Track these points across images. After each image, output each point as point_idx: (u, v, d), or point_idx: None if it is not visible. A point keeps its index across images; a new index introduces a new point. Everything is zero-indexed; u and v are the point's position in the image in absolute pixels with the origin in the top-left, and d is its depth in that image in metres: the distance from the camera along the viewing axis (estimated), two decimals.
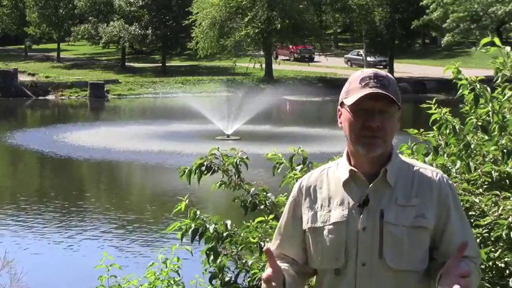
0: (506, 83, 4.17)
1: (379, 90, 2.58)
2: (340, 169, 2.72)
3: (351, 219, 2.63)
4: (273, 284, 2.59)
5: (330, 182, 2.73)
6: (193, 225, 4.19)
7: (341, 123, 2.69)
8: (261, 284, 4.06)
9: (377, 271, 2.60)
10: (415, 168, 2.70)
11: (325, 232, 2.67)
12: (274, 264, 2.62)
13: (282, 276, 2.64)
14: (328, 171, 2.77)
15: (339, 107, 2.71)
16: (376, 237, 2.59)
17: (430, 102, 4.13)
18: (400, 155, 2.75)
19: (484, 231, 3.68)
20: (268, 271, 2.62)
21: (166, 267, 5.19)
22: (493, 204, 3.67)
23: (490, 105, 4.05)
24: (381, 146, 2.61)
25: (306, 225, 2.73)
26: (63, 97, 44.94)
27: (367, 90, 2.58)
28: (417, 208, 2.62)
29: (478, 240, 3.68)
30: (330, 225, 2.66)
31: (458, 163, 4.02)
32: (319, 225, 2.69)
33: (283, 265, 2.72)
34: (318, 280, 2.76)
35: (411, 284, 2.61)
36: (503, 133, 3.99)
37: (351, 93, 2.63)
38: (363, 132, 2.60)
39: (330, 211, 2.68)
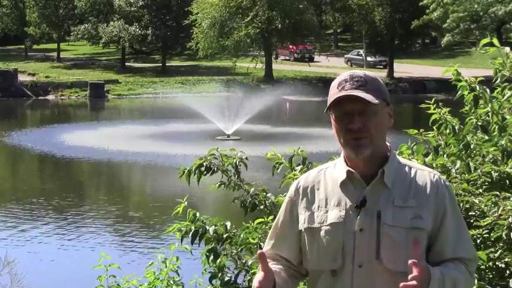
0: (506, 83, 4.17)
1: (352, 92, 2.58)
2: (337, 170, 2.72)
3: (348, 220, 2.63)
4: None
5: (327, 182, 2.73)
6: (193, 227, 4.18)
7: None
8: None
9: (374, 272, 2.59)
10: (412, 170, 2.69)
11: (322, 233, 2.66)
12: (266, 268, 2.61)
13: (273, 281, 2.64)
14: (325, 172, 2.77)
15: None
16: (373, 239, 2.59)
17: (430, 102, 4.13)
18: (397, 156, 2.75)
19: (484, 232, 3.68)
20: (259, 276, 2.61)
21: (166, 267, 5.19)
22: (493, 205, 3.66)
23: (490, 105, 4.05)
24: (367, 147, 2.61)
25: (302, 225, 2.72)
26: (63, 97, 44.93)
27: (342, 93, 2.59)
28: (414, 209, 2.61)
29: (478, 241, 3.68)
30: (326, 226, 2.66)
31: (458, 163, 4.02)
32: (316, 225, 2.68)
33: (276, 267, 2.72)
34: (311, 281, 2.74)
35: None
36: (502, 134, 3.99)
37: (331, 99, 2.64)
38: (346, 136, 2.61)
39: (327, 212, 2.67)
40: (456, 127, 4.06)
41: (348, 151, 2.63)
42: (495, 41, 4.11)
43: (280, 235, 2.79)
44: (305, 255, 2.72)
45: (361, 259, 2.60)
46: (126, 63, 57.33)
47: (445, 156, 4.11)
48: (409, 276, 2.45)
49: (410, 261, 2.45)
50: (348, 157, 2.67)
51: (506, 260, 3.64)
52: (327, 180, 2.73)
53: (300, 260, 2.76)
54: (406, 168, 2.69)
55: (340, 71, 52.52)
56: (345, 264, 2.62)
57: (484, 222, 3.65)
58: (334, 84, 2.67)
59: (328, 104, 2.63)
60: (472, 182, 3.93)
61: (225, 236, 4.18)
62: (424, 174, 2.68)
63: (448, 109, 4.16)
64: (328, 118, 2.68)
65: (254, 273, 4.11)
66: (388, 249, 2.58)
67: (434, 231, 2.63)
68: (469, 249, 2.70)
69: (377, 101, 2.58)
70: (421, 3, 46.11)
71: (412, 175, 2.67)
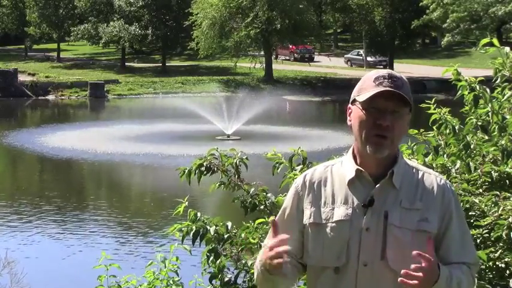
0: (506, 83, 4.17)
1: (393, 90, 2.59)
2: (344, 167, 2.72)
3: (355, 219, 2.63)
4: (284, 248, 2.54)
5: (334, 179, 2.73)
6: (194, 227, 4.17)
7: (350, 120, 2.69)
8: None
9: (378, 272, 2.60)
10: (419, 172, 2.71)
11: (328, 229, 2.66)
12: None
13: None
14: (332, 169, 2.76)
15: (349, 104, 2.70)
16: (380, 238, 2.60)
17: (430, 102, 4.12)
18: (404, 158, 2.76)
19: (484, 232, 3.68)
20: (284, 235, 2.57)
21: (165, 267, 5.18)
22: (493, 205, 3.66)
23: (490, 105, 4.04)
24: (388, 147, 2.62)
25: (307, 220, 2.71)
26: (63, 97, 44.94)
27: (381, 89, 2.58)
28: (421, 212, 2.63)
29: (478, 240, 3.68)
30: (333, 222, 2.66)
31: (458, 163, 4.01)
32: (321, 221, 2.68)
33: None
34: (312, 278, 2.73)
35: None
36: (502, 134, 3.99)
37: (364, 91, 2.62)
38: (373, 131, 2.60)
39: (333, 209, 2.68)
40: (456, 127, 4.06)
41: (368, 147, 2.61)
42: (495, 41, 4.11)
43: (284, 227, 2.74)
44: (307, 250, 2.72)
45: (366, 258, 2.60)
46: (126, 63, 57.33)
47: (445, 156, 4.10)
48: (414, 266, 2.45)
49: (415, 252, 2.46)
50: (361, 154, 2.67)
51: (506, 260, 3.64)
52: (334, 177, 2.73)
53: (303, 254, 2.75)
54: (414, 171, 2.71)
55: (340, 71, 52.65)
56: (349, 263, 2.62)
57: (484, 222, 3.65)
58: (369, 77, 2.65)
59: (363, 95, 2.61)
60: (472, 182, 3.92)
61: (226, 236, 4.18)
62: (431, 177, 2.70)
63: (448, 109, 4.16)
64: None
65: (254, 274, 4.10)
66: (393, 249, 2.58)
67: (439, 235, 2.65)
68: (473, 254, 2.73)
69: (411, 105, 2.62)
70: (421, 3, 46.17)
71: (419, 178, 2.69)
